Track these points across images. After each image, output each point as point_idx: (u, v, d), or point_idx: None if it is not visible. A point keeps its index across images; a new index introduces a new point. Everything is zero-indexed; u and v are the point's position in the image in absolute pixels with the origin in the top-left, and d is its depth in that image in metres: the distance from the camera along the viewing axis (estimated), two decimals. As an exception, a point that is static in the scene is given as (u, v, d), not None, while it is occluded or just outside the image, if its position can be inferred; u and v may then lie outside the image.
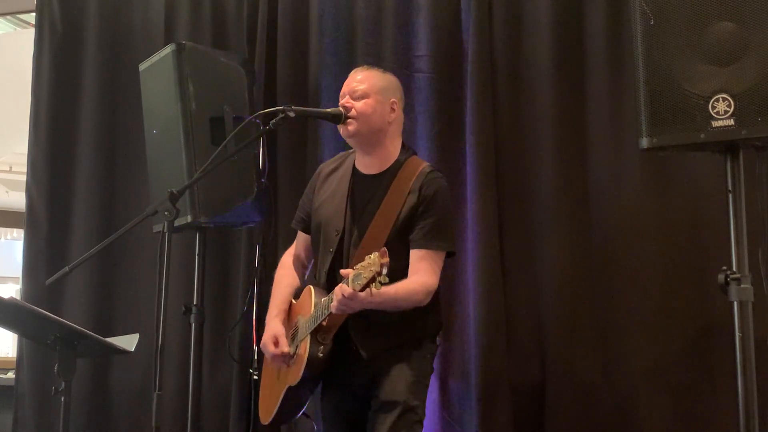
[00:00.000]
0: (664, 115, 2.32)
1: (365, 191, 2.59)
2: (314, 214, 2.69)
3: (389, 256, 2.16)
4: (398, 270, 2.40)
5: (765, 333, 2.48)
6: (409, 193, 2.51)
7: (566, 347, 3.09)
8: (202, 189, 3.07)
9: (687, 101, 2.29)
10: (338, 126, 2.60)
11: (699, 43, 2.28)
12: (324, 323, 2.45)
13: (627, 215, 3.08)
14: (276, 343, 2.55)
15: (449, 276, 3.04)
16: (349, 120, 2.55)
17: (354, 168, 2.65)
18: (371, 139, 2.58)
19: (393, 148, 2.61)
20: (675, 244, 3.02)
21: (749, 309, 2.32)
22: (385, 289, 2.25)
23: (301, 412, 2.65)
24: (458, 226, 3.05)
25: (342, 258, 2.56)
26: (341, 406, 2.63)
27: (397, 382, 2.46)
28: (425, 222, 2.50)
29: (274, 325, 2.61)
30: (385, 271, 2.15)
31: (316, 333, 2.46)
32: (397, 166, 2.58)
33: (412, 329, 2.53)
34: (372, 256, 2.18)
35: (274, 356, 2.55)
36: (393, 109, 2.60)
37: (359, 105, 2.55)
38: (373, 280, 2.17)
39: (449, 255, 2.59)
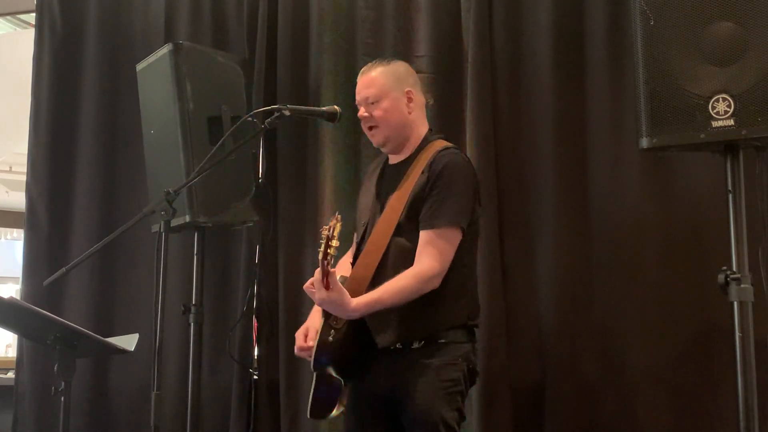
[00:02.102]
0: (664, 115, 2.32)
1: (390, 181, 2.57)
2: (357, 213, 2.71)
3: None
4: (411, 252, 2.40)
5: (765, 333, 2.48)
6: (421, 173, 2.46)
7: (566, 347, 3.09)
8: (200, 188, 3.07)
9: (687, 101, 2.29)
10: (369, 137, 2.59)
11: (699, 44, 2.28)
12: None
13: (627, 215, 3.08)
14: (305, 337, 2.51)
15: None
16: (373, 131, 2.55)
17: (385, 160, 2.65)
18: (401, 136, 2.56)
19: (418, 134, 2.58)
20: (675, 243, 3.01)
21: (749, 309, 2.33)
22: (369, 294, 2.28)
23: (336, 407, 2.55)
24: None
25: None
26: (360, 403, 2.55)
27: (424, 397, 2.38)
28: (432, 200, 2.42)
29: (312, 316, 2.56)
30: (328, 232, 2.17)
31: (329, 317, 2.42)
32: (418, 150, 2.55)
33: (434, 319, 2.43)
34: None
35: (300, 349, 2.51)
36: (410, 99, 2.56)
37: (376, 112, 2.53)
38: (327, 246, 2.19)
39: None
